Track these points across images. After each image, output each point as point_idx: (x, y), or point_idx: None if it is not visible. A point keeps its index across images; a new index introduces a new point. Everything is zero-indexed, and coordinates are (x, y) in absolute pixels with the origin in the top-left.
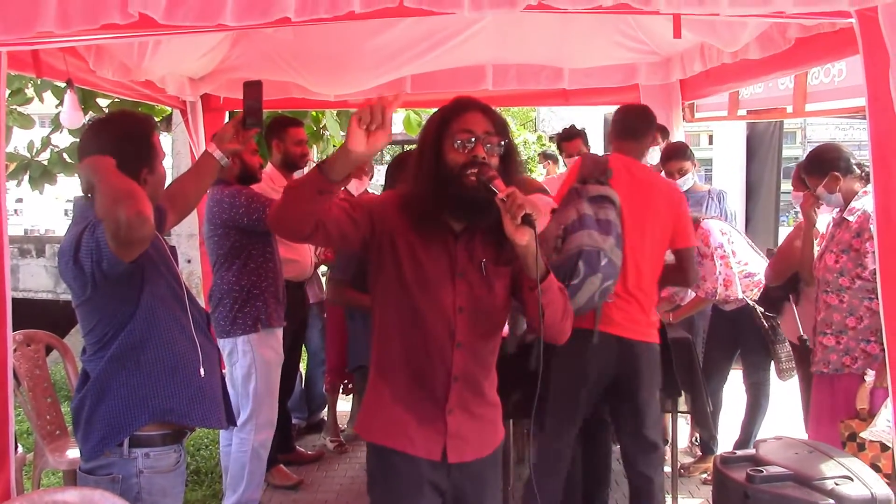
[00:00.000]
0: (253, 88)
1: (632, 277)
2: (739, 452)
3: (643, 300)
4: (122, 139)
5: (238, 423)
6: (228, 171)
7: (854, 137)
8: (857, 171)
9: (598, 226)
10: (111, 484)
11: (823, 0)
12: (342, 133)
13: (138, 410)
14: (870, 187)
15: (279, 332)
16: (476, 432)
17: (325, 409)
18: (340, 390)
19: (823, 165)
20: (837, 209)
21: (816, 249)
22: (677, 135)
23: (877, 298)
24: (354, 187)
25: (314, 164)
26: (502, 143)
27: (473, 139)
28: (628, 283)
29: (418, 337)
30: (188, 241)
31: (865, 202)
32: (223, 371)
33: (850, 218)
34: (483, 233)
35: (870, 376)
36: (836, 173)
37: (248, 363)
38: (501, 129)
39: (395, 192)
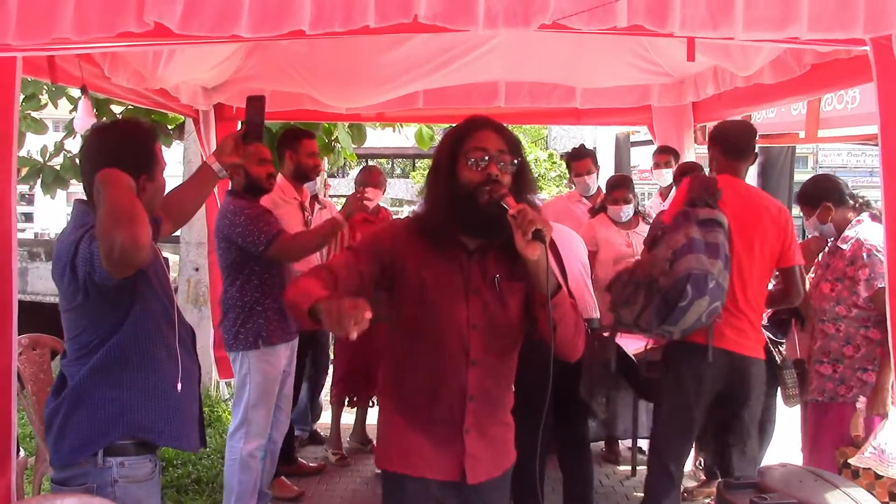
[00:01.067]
0: (256, 103)
1: (741, 295)
2: (743, 479)
3: (752, 317)
4: (122, 146)
5: (229, 431)
6: (236, 183)
7: (866, 164)
8: (850, 201)
9: (706, 250)
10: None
11: (838, 27)
12: (353, 146)
13: (113, 425)
14: (864, 216)
15: (281, 349)
16: (490, 452)
17: (319, 419)
18: (346, 402)
19: (816, 197)
20: (831, 239)
21: (810, 278)
22: (689, 157)
23: (873, 327)
24: (371, 194)
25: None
26: (515, 161)
27: (487, 157)
28: (738, 300)
29: (433, 357)
30: (197, 249)
31: (859, 230)
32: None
33: (844, 246)
34: (496, 250)
35: (861, 403)
36: (829, 204)
37: (243, 374)
38: (514, 147)
39: (405, 219)
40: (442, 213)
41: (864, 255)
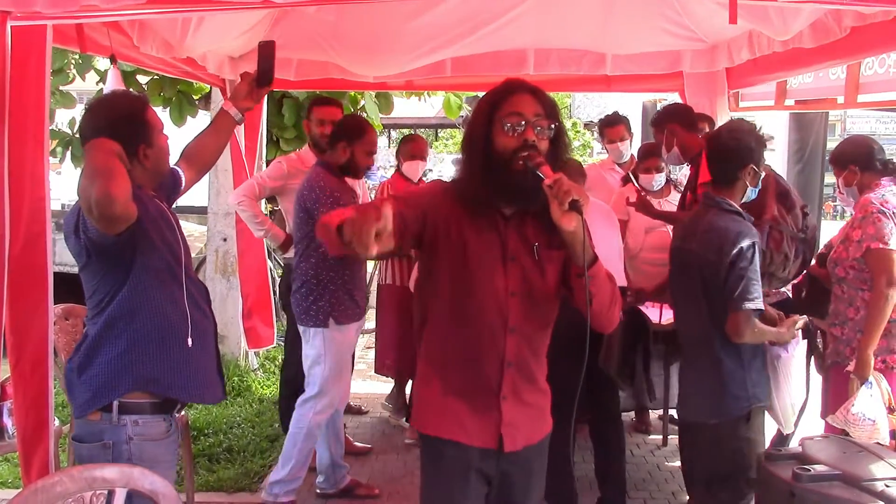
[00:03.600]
0: (265, 48)
1: None
2: (785, 450)
3: None
4: (115, 119)
5: (300, 399)
6: (335, 157)
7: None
8: (879, 166)
9: None
10: (103, 450)
11: None
12: (381, 115)
13: (121, 376)
14: (885, 180)
15: (350, 327)
16: (528, 419)
17: None
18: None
19: (843, 159)
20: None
21: None
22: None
23: (869, 290)
24: (413, 170)
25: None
26: (552, 126)
27: (524, 122)
28: None
29: (471, 323)
30: (224, 219)
31: (876, 193)
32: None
33: (852, 210)
34: (534, 216)
35: (851, 366)
36: (855, 167)
37: (317, 348)
38: (551, 111)
39: (445, 182)
40: (478, 180)
41: (869, 213)
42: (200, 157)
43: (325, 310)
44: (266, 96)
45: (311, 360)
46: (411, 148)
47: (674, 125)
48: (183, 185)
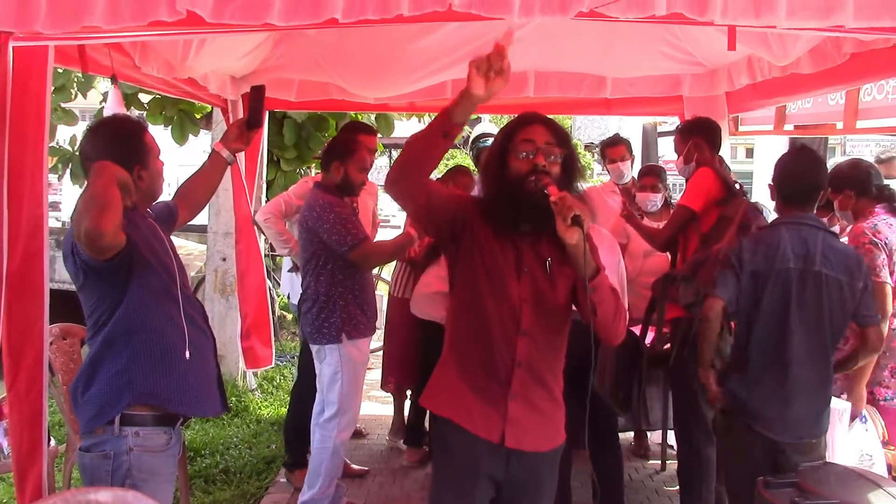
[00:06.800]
0: (257, 92)
1: None
2: (782, 477)
3: None
4: (113, 140)
5: (321, 420)
6: (330, 178)
7: None
8: (875, 191)
9: None
10: (104, 460)
11: (885, 14)
12: (380, 136)
13: (121, 393)
14: (879, 208)
15: (365, 341)
16: (536, 424)
17: None
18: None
19: (841, 182)
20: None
21: None
22: (724, 149)
23: None
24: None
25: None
26: (563, 152)
27: (535, 150)
28: None
29: (487, 322)
30: (224, 239)
31: (869, 223)
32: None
33: (843, 239)
34: (550, 237)
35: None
36: (850, 191)
37: (333, 365)
38: (562, 140)
39: (473, 197)
40: (496, 201)
41: (861, 245)
42: (193, 197)
43: (337, 325)
44: (267, 117)
45: (328, 377)
46: (455, 181)
47: (701, 140)
48: (178, 220)
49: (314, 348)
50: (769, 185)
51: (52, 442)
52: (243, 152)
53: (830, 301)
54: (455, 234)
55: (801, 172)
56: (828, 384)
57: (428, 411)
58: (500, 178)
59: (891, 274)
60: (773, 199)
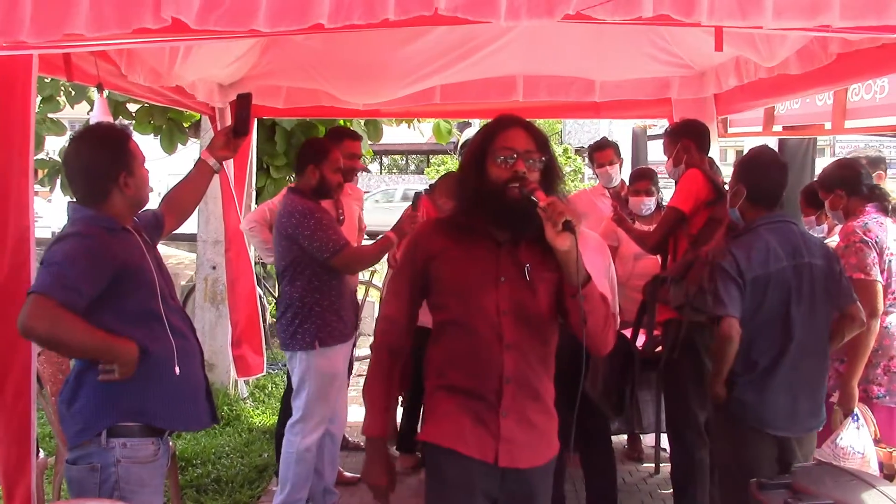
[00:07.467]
0: (243, 100)
1: None
2: (776, 479)
3: None
4: (98, 148)
5: (288, 424)
6: (305, 182)
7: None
8: (865, 191)
9: None
10: (91, 473)
11: (871, 14)
12: (369, 142)
13: (107, 410)
14: (869, 207)
15: (338, 349)
16: (531, 439)
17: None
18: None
19: (831, 182)
20: (840, 227)
21: None
22: (713, 151)
23: None
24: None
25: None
26: (543, 158)
27: (515, 155)
28: None
29: (468, 341)
30: (214, 247)
31: (859, 222)
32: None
33: (835, 237)
34: (527, 241)
35: (835, 398)
36: (841, 191)
37: (302, 372)
38: (542, 145)
39: (433, 218)
40: (471, 209)
41: (852, 243)
42: (180, 205)
43: (311, 332)
44: (256, 124)
45: (296, 384)
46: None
47: (690, 142)
48: (165, 228)
49: (287, 354)
50: (732, 189)
51: (42, 454)
52: (232, 160)
53: (820, 289)
54: (432, 275)
55: (770, 174)
56: (826, 372)
57: (421, 417)
58: (478, 185)
59: (881, 272)
60: (733, 203)
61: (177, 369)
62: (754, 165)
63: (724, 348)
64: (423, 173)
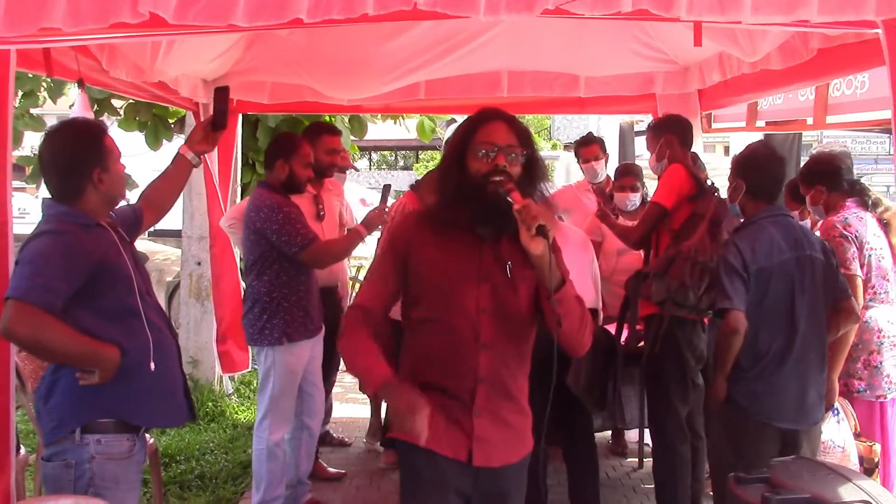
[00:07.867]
0: (221, 94)
1: None
2: (753, 473)
3: None
4: (72, 143)
5: (255, 423)
6: (275, 177)
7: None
8: (846, 186)
9: None
10: (66, 469)
11: (850, 9)
12: (352, 138)
13: (83, 407)
14: (849, 202)
15: (304, 345)
16: (504, 438)
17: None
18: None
19: (811, 178)
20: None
21: None
22: (697, 146)
23: None
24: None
25: None
26: (525, 153)
27: (496, 149)
28: None
29: (444, 339)
30: (199, 243)
31: (840, 217)
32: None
33: (816, 233)
34: (510, 237)
35: None
36: (822, 186)
37: (267, 367)
38: (525, 139)
39: (416, 210)
40: (452, 203)
41: (832, 238)
42: (158, 200)
43: (279, 327)
44: (241, 120)
45: (261, 380)
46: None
47: (672, 137)
48: (143, 224)
49: (254, 349)
50: (731, 184)
51: (23, 450)
52: (217, 156)
53: (819, 282)
54: (411, 267)
55: (769, 169)
56: (826, 364)
57: None
58: (459, 179)
59: (861, 266)
60: (733, 199)
61: (152, 365)
62: (753, 161)
63: (729, 341)
64: (411, 169)
